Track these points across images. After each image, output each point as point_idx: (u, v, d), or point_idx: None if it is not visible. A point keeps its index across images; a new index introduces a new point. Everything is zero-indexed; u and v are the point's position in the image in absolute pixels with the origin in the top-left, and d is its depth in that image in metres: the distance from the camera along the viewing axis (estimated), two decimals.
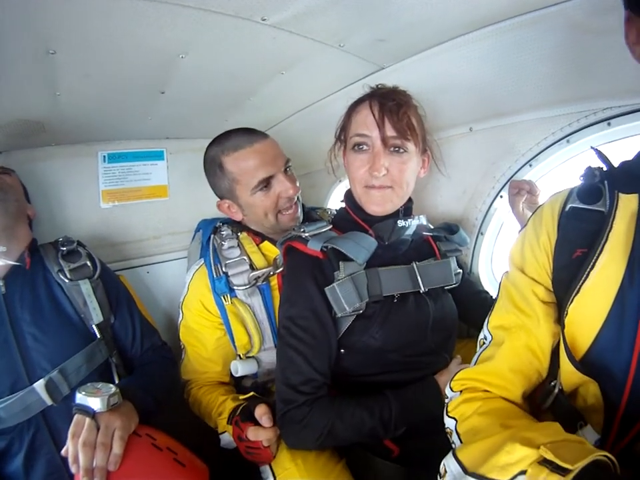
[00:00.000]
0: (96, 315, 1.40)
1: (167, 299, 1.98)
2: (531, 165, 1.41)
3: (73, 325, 1.37)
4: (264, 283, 1.46)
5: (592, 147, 0.86)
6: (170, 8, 0.96)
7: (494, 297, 0.99)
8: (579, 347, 0.77)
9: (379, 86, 1.23)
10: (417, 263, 1.21)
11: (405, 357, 1.19)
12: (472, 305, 1.39)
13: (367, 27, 1.16)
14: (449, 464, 0.72)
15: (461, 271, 1.35)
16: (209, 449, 1.27)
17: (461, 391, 0.90)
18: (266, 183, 1.44)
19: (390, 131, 1.12)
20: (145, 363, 1.50)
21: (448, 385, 0.95)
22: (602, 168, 0.85)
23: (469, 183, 1.59)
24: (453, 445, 0.85)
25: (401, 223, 1.21)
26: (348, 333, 1.15)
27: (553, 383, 0.84)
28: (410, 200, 1.28)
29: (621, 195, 0.78)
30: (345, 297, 1.10)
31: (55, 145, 1.79)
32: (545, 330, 0.84)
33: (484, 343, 0.94)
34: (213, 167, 1.50)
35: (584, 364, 0.76)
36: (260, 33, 1.14)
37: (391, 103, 1.13)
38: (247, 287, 1.43)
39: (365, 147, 1.16)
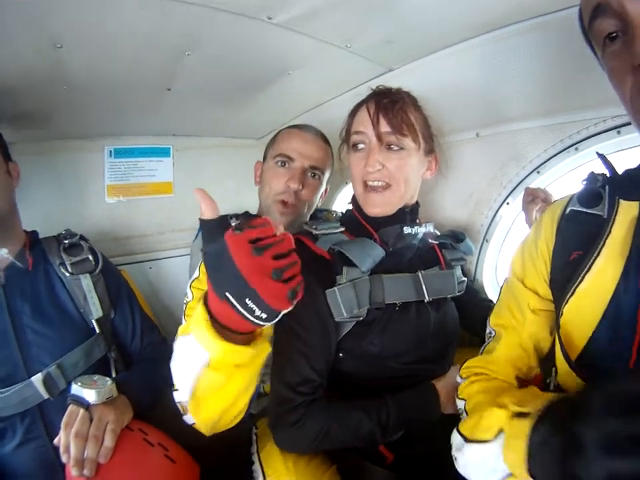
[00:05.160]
0: (96, 310, 1.40)
1: (168, 294, 1.99)
2: (538, 172, 1.39)
3: (72, 319, 1.37)
4: None
5: (597, 153, 0.87)
6: (174, 4, 0.97)
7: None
8: (575, 347, 0.81)
9: (380, 87, 1.22)
10: (422, 272, 1.20)
11: (403, 365, 1.17)
12: (474, 314, 1.35)
13: (374, 27, 1.15)
14: (454, 437, 0.83)
15: (465, 279, 1.33)
16: (202, 449, 1.26)
17: (467, 377, 0.98)
18: (284, 161, 1.52)
19: (384, 127, 1.12)
20: (144, 359, 1.50)
21: (457, 373, 1.02)
22: (605, 174, 0.87)
23: (476, 189, 1.58)
24: None
25: (407, 229, 1.19)
26: (347, 337, 1.13)
27: (547, 381, 0.89)
28: (417, 203, 1.26)
29: (621, 201, 0.80)
30: (344, 303, 1.09)
31: (61, 139, 1.80)
32: (528, 334, 0.94)
33: (489, 337, 1.02)
34: (272, 138, 1.66)
35: (579, 364, 0.80)
36: (266, 32, 1.14)
37: (385, 100, 1.13)
38: None
39: (362, 145, 1.16)
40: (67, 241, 1.47)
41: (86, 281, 1.42)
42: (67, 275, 1.40)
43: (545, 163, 1.37)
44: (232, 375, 0.82)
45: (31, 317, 1.31)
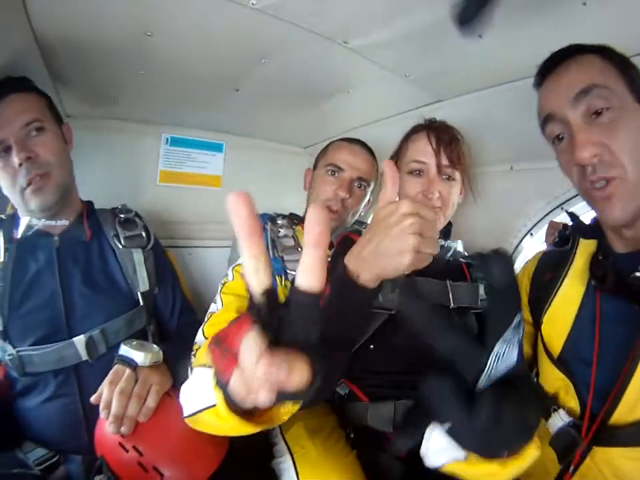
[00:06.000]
0: (142, 283, 1.45)
1: (203, 283, 2.04)
2: (562, 209, 1.52)
3: (119, 289, 1.42)
4: None
5: (566, 211, 1.21)
6: (262, 16, 1.08)
7: None
8: (555, 348, 1.03)
9: (432, 119, 1.37)
10: (450, 282, 1.30)
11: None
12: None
13: (433, 60, 1.27)
14: None
15: (487, 298, 1.43)
16: None
17: None
18: (334, 170, 1.64)
19: (444, 160, 1.27)
20: (179, 336, 1.52)
21: None
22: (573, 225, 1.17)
23: (504, 218, 1.71)
24: None
25: (441, 242, 1.33)
26: (378, 330, 1.21)
27: None
28: (450, 223, 1.40)
29: (581, 239, 1.10)
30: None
31: (122, 119, 1.88)
32: None
33: None
34: (323, 149, 1.77)
35: (560, 361, 1.01)
36: (337, 53, 1.25)
37: (446, 136, 1.29)
38: None
39: (420, 173, 1.29)
40: (122, 215, 1.53)
41: (137, 255, 1.47)
42: (120, 247, 1.45)
43: (569, 200, 1.50)
44: (238, 428, 0.65)
45: (80, 282, 1.35)
